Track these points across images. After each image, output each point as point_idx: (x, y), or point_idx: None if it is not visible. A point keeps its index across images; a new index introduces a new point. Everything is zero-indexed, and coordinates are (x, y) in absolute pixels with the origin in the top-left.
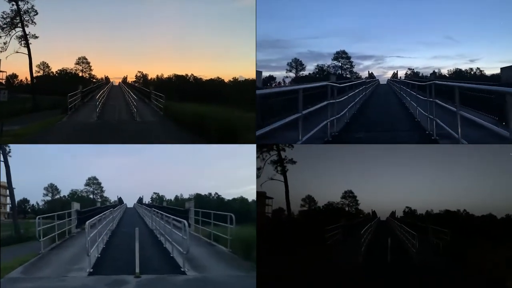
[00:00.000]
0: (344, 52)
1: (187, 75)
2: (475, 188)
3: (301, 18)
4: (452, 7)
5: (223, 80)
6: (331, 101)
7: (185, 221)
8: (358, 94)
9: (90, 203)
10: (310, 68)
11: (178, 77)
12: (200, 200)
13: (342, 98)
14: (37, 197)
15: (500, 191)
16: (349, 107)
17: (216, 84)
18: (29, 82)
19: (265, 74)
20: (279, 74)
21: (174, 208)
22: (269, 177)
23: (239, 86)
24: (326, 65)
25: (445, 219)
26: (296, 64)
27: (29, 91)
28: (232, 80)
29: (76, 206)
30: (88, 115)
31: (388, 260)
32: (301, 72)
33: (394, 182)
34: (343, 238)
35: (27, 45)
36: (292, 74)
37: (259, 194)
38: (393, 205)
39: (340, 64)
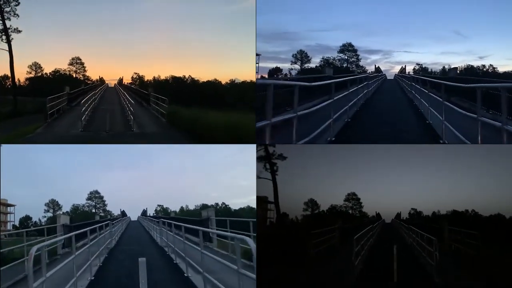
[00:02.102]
0: (350, 44)
1: (184, 76)
2: (482, 188)
3: (310, 11)
4: (461, 2)
5: (220, 82)
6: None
7: (247, 239)
8: (354, 95)
9: (92, 218)
10: (317, 60)
11: (175, 79)
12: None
13: (311, 108)
14: (40, 214)
15: (508, 191)
16: (333, 118)
17: (214, 86)
18: (22, 84)
19: (272, 65)
20: (288, 66)
21: (187, 219)
22: (258, 176)
23: (238, 88)
24: (331, 57)
25: (460, 220)
26: (302, 56)
27: (20, 93)
28: (229, 82)
29: (64, 219)
30: (72, 124)
31: (394, 280)
32: (306, 64)
33: (399, 183)
34: (338, 244)
35: (8, 40)
36: (297, 66)
37: (259, 198)
38: (398, 206)
39: (346, 57)
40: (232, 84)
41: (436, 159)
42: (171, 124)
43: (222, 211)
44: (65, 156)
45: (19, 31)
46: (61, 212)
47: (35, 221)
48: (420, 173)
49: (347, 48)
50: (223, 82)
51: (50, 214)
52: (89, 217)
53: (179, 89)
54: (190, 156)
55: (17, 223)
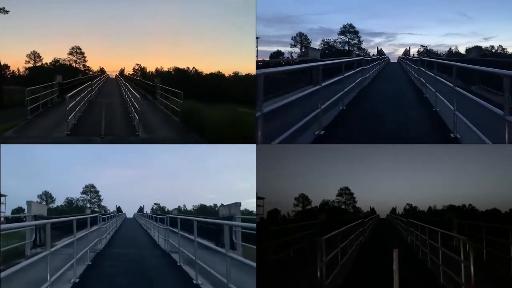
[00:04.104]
0: (351, 26)
1: (188, 68)
2: (478, 183)
3: None
4: None
5: (224, 74)
6: None
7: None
8: (339, 88)
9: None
10: (317, 43)
11: (179, 71)
12: (205, 211)
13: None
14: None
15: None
16: (292, 130)
17: (218, 79)
18: (21, 73)
19: (274, 49)
20: (291, 50)
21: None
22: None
23: (243, 81)
24: (332, 40)
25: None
26: (301, 39)
27: (21, 82)
28: (232, 74)
29: (37, 209)
30: (59, 122)
31: None
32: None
33: (393, 178)
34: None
35: None
36: (297, 50)
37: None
38: (393, 202)
39: (347, 39)
40: (236, 76)
41: (432, 156)
42: (187, 125)
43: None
44: (61, 150)
45: (6, 12)
46: (55, 205)
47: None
48: (416, 168)
49: (348, 30)
50: (226, 75)
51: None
52: (83, 212)
53: (184, 81)
54: (188, 156)
55: (9, 214)
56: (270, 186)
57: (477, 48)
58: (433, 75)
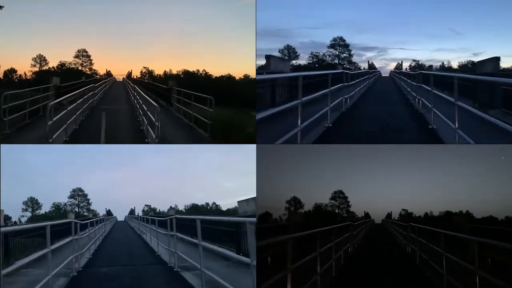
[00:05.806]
0: (341, 39)
1: (198, 71)
2: (474, 189)
3: (305, 8)
4: (455, 1)
5: (234, 77)
6: None
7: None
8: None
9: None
10: (306, 56)
11: (188, 74)
12: (198, 210)
13: None
14: (19, 213)
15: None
16: None
17: (230, 82)
18: (28, 77)
19: (260, 63)
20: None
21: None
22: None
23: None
24: (321, 53)
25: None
26: (289, 52)
27: (26, 86)
28: (242, 77)
29: None
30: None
31: None
32: (294, 61)
33: (389, 183)
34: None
35: None
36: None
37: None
38: (388, 207)
39: (337, 52)
40: (247, 79)
41: (427, 159)
42: (214, 137)
43: (214, 212)
44: (48, 154)
45: (1, 7)
46: (40, 211)
47: (15, 221)
48: (411, 173)
49: (338, 44)
50: (237, 77)
51: (28, 214)
52: (70, 217)
53: (194, 84)
54: (177, 156)
55: None
56: (262, 189)
57: (495, 59)
58: (453, 100)
